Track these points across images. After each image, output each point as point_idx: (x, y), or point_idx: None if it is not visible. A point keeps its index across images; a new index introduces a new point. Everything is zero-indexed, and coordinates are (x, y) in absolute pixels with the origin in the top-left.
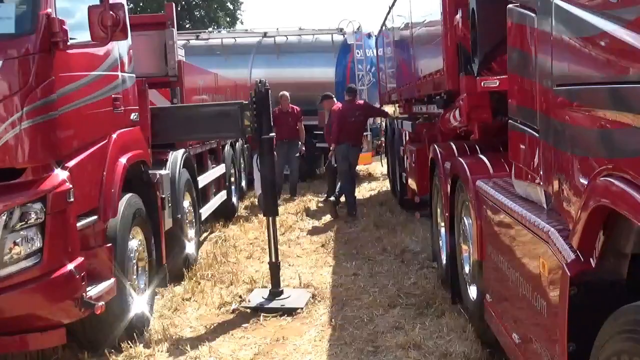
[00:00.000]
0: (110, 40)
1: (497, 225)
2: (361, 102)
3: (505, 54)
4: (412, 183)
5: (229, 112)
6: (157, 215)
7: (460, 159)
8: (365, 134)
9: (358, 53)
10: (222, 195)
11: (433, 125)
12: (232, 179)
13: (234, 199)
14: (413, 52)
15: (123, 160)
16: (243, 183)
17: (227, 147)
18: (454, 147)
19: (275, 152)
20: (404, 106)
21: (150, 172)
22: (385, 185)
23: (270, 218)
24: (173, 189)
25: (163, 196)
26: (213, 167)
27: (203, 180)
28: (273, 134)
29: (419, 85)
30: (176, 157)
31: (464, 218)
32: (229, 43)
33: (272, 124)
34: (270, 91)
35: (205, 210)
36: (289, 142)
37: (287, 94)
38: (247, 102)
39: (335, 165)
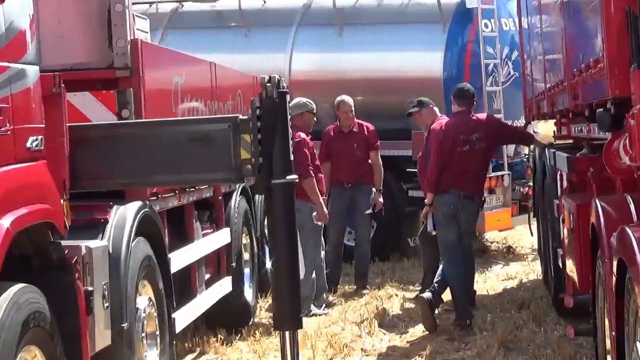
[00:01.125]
0: None
1: None
2: (483, 116)
3: None
4: (571, 269)
5: (213, 135)
6: (77, 323)
7: (629, 230)
8: (496, 174)
9: (487, 26)
10: (223, 287)
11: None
12: (246, 256)
13: (248, 293)
14: (564, 24)
15: (5, 222)
16: (268, 263)
17: (236, 197)
18: (630, 204)
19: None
20: (560, 124)
21: (65, 244)
22: (535, 269)
23: (288, 334)
24: (115, 274)
25: (90, 289)
26: (205, 234)
27: (181, 258)
28: (294, 176)
29: (573, 85)
30: (124, 216)
31: (638, 343)
32: (252, 8)
33: (291, 157)
34: (288, 95)
35: (186, 314)
36: (353, 187)
37: (350, 100)
38: (246, 117)
39: (434, 234)
